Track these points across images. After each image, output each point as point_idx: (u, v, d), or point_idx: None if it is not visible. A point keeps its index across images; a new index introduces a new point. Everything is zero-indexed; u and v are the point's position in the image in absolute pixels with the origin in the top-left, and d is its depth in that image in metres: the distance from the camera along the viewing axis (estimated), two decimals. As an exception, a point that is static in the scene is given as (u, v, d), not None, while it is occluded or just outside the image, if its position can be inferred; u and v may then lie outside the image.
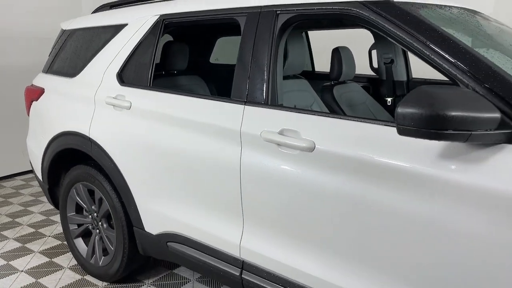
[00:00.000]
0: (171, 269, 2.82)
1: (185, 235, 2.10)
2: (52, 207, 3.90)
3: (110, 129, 2.34)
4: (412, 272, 1.42)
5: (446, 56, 1.38)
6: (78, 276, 2.74)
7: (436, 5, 1.78)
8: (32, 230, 3.46)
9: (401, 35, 1.48)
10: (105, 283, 2.66)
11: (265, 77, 1.81)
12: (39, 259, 2.97)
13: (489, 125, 1.20)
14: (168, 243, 2.19)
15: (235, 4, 1.98)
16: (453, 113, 1.15)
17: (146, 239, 2.30)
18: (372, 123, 1.50)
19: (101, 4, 3.04)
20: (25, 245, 3.19)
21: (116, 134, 2.30)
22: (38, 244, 3.21)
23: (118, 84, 2.36)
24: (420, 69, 2.62)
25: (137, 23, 2.41)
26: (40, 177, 2.92)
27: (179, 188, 2.08)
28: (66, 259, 2.96)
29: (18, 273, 2.79)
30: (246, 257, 1.88)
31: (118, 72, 2.39)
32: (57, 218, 3.70)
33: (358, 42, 3.19)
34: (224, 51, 3.93)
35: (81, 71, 2.63)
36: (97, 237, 2.63)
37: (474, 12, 2.00)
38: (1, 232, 3.41)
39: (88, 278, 2.71)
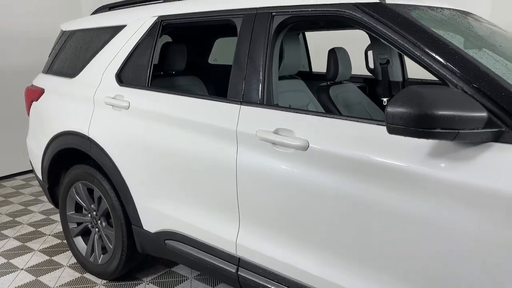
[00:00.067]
0: (169, 267, 2.85)
1: (183, 233, 2.13)
2: (52, 206, 3.93)
3: (109, 129, 2.36)
4: (406, 267, 1.44)
5: (436, 57, 1.41)
6: (77, 274, 2.76)
7: (428, 6, 1.81)
8: (32, 229, 3.49)
9: (393, 36, 1.51)
10: (104, 281, 2.68)
11: (261, 77, 1.83)
12: (39, 258, 2.99)
13: (476, 124, 1.23)
14: (166, 241, 2.22)
15: (231, 5, 2.01)
16: (441, 112, 1.18)
17: (145, 237, 2.33)
18: (365, 122, 1.53)
19: (100, 5, 3.07)
20: (25, 243, 3.22)
21: (115, 133, 2.33)
22: (38, 242, 3.24)
23: (117, 85, 2.39)
24: (416, 70, 2.64)
25: (135, 24, 2.44)
26: (40, 177, 2.95)
27: (177, 187, 2.10)
28: (66, 258, 2.99)
29: (18, 271, 2.82)
30: (242, 254, 1.90)
31: (117, 72, 2.42)
32: (57, 217, 3.73)
33: (355, 43, 3.22)
34: (223, 51, 3.95)
35: (81, 71, 2.65)
36: (96, 236, 2.65)
37: (466, 13, 2.03)
38: (1, 231, 3.44)
39: (88, 276, 2.74)
